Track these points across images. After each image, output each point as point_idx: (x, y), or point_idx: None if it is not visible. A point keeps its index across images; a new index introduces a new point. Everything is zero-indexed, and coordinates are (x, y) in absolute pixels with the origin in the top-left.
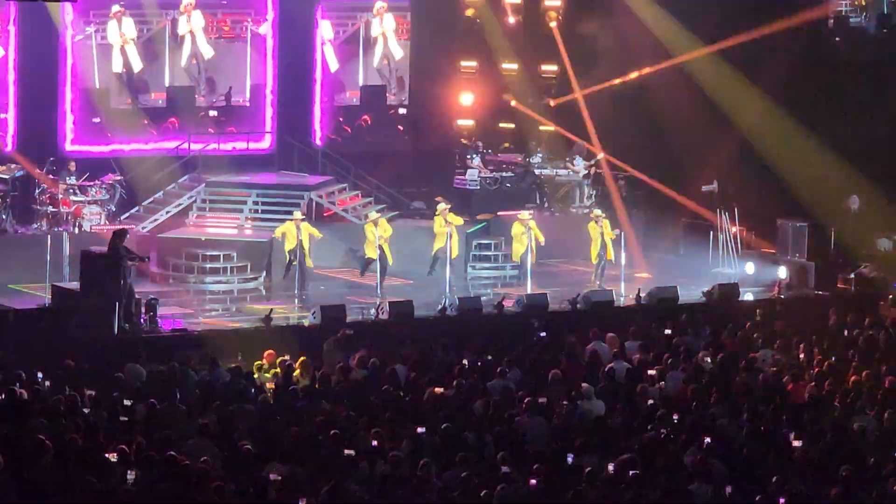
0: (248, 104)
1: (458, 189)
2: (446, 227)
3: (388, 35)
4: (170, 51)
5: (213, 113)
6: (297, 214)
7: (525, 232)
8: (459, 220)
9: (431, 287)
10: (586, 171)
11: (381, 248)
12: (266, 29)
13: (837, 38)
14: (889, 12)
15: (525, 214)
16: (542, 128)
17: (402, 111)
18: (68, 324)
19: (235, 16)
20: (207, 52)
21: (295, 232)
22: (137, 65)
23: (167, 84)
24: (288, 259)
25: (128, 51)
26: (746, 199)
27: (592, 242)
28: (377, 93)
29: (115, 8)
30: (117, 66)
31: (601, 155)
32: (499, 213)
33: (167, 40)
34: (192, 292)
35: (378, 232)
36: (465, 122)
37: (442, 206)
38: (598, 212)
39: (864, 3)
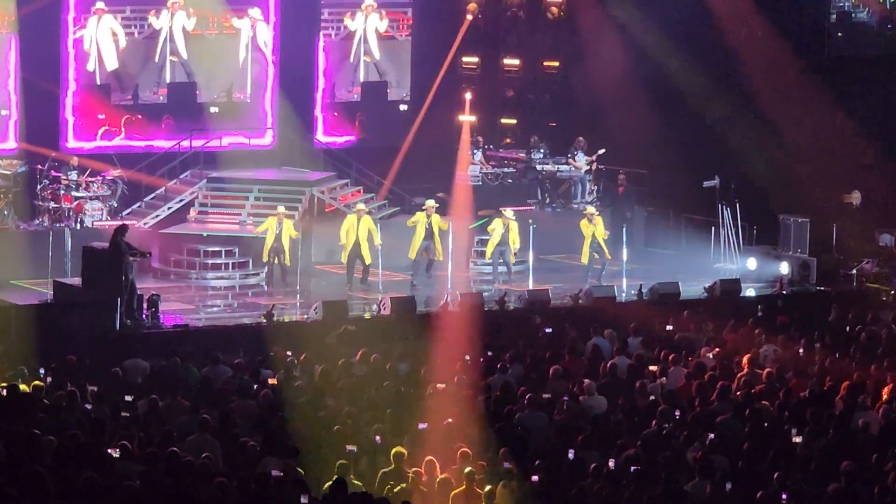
0: (248, 100)
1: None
2: (423, 223)
3: (368, 34)
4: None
5: (213, 109)
6: (281, 209)
7: (501, 230)
8: (444, 225)
9: (433, 283)
10: (588, 167)
11: (358, 245)
12: (244, 22)
13: (840, 34)
14: (892, 8)
15: (509, 213)
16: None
17: (402, 107)
18: (70, 319)
19: (236, 12)
20: (184, 53)
21: (276, 227)
22: (112, 64)
23: (168, 80)
24: (269, 259)
25: (102, 50)
26: (748, 194)
27: (584, 241)
28: (378, 89)
29: (99, 5)
30: (91, 64)
31: (602, 150)
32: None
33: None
34: (194, 288)
35: (361, 228)
36: (467, 118)
37: (430, 202)
38: (591, 209)
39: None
